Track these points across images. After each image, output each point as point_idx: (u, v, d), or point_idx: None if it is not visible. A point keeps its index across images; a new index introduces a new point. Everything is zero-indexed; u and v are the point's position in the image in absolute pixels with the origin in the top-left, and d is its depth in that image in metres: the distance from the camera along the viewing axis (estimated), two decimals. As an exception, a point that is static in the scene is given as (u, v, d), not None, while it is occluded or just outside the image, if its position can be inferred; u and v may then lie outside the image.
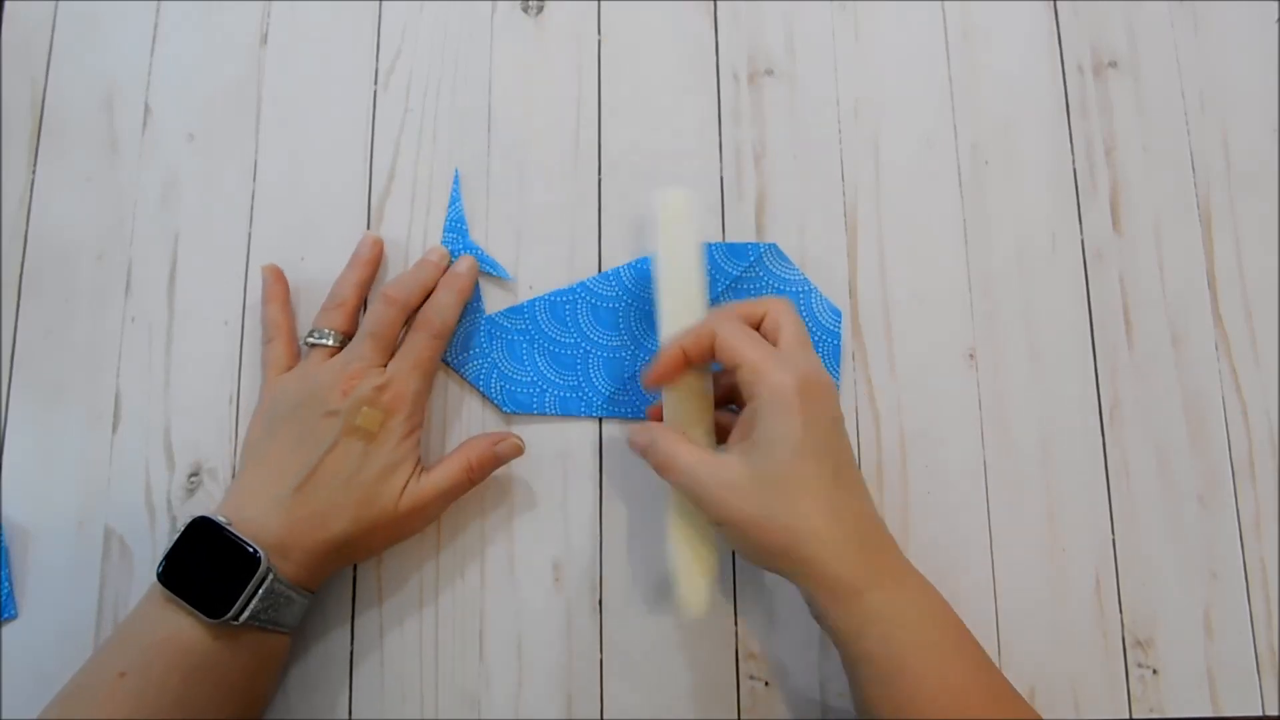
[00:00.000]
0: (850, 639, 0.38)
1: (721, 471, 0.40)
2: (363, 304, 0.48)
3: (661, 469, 0.41)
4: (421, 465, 0.45)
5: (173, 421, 0.48)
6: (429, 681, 0.46)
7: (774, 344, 0.41)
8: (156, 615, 0.40)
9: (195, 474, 0.48)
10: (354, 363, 0.44)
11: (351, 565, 0.47)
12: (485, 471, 0.46)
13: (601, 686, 0.46)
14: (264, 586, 0.40)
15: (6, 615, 0.46)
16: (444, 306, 0.47)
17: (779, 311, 0.42)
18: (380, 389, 0.43)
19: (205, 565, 0.40)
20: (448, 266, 0.49)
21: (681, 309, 0.44)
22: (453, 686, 0.46)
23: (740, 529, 0.39)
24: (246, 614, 0.39)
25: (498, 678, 0.46)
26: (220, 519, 0.41)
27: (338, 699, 0.46)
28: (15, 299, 0.49)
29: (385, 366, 0.45)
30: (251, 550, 0.40)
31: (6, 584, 0.46)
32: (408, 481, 0.43)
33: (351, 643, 0.46)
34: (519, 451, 0.46)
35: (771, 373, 0.39)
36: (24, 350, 0.49)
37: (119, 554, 0.47)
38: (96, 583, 0.47)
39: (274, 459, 0.43)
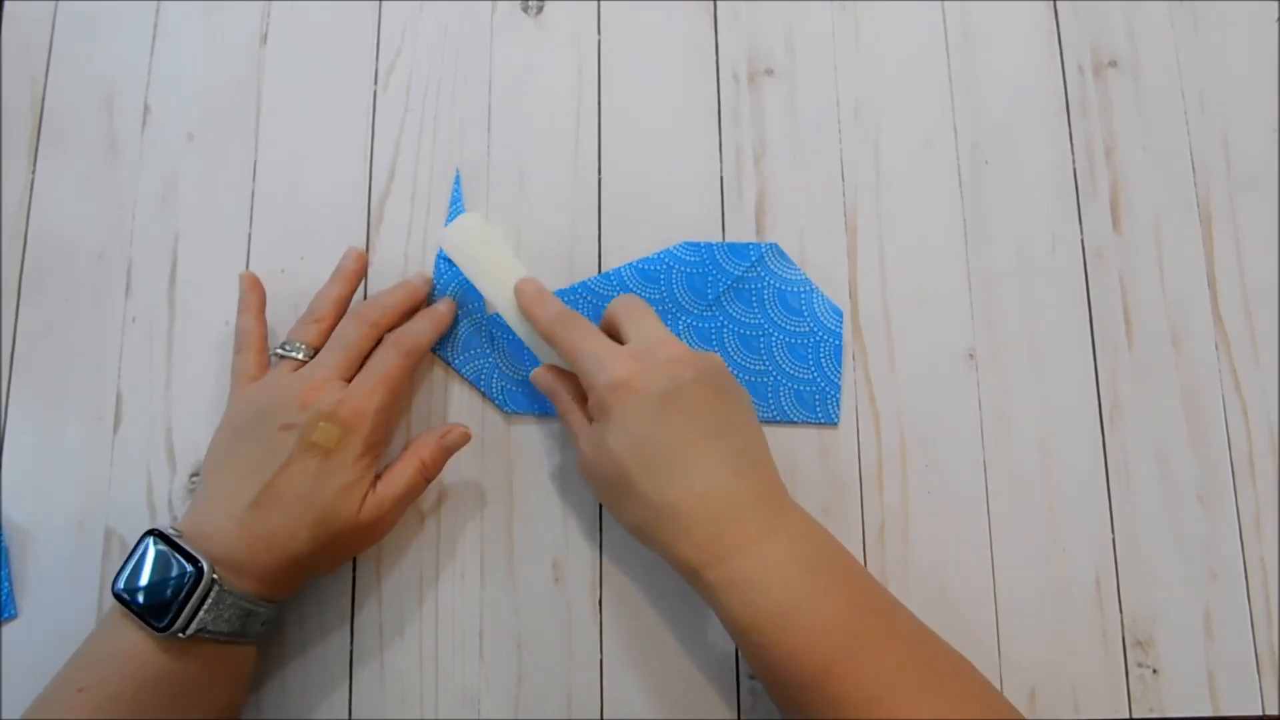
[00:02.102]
0: (710, 606, 0.40)
1: (585, 451, 0.43)
2: (339, 320, 0.47)
3: (561, 417, 0.45)
4: (377, 475, 0.44)
5: (174, 421, 0.48)
6: (429, 681, 0.46)
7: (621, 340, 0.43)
8: (114, 629, 0.40)
9: (196, 474, 0.48)
10: (317, 374, 0.43)
11: (321, 575, 0.46)
12: (438, 467, 0.45)
13: (601, 686, 0.46)
14: (210, 599, 0.39)
15: (6, 615, 0.46)
16: (419, 331, 0.46)
17: (614, 309, 0.45)
18: (341, 403, 0.42)
19: (156, 577, 0.39)
20: (430, 292, 0.49)
21: (507, 288, 0.47)
22: (453, 686, 0.46)
23: (606, 506, 0.44)
24: (194, 627, 0.38)
25: (498, 678, 0.46)
26: (171, 531, 0.40)
27: (338, 699, 0.46)
28: (15, 299, 0.49)
29: (350, 381, 0.44)
30: (198, 563, 0.39)
31: (6, 584, 0.46)
32: (366, 495, 0.43)
33: (351, 642, 0.46)
34: (466, 439, 0.46)
35: (594, 374, 0.41)
36: (24, 350, 0.49)
37: (119, 554, 0.47)
38: (96, 583, 0.47)
39: (230, 473, 0.42)
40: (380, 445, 0.44)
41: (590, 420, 0.43)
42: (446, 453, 0.46)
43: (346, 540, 0.43)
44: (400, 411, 0.48)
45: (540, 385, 0.46)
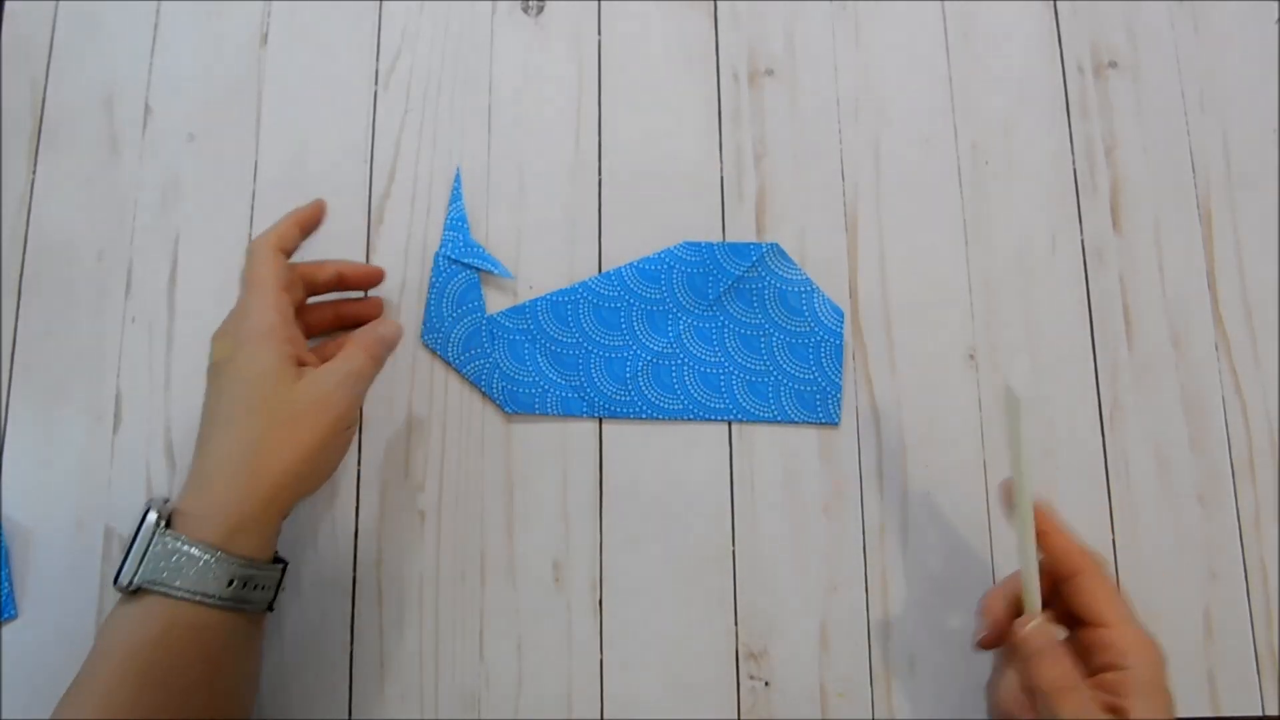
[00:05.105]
0: None
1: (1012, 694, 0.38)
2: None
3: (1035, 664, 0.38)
4: (304, 363, 0.42)
5: (173, 421, 0.48)
6: (429, 681, 0.46)
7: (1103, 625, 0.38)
8: (124, 614, 0.39)
9: (195, 474, 0.48)
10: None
11: (304, 492, 0.42)
12: (380, 350, 0.43)
13: (601, 686, 0.46)
14: (152, 543, 0.37)
15: (6, 615, 0.46)
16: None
17: (1100, 587, 0.39)
18: (227, 319, 0.42)
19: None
20: (321, 215, 0.50)
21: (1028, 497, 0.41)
22: (453, 686, 0.46)
23: None
24: (138, 577, 0.37)
25: (498, 678, 0.46)
26: (152, 511, 0.39)
27: (338, 699, 0.46)
28: (15, 299, 0.49)
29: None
30: (144, 511, 0.38)
31: (6, 584, 0.46)
32: (297, 362, 0.41)
33: (351, 642, 0.46)
34: (399, 330, 0.44)
35: (1145, 651, 0.37)
36: (24, 350, 0.49)
37: (119, 554, 0.47)
38: (96, 583, 0.47)
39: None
40: (281, 327, 0.41)
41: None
42: (384, 343, 0.44)
43: (296, 421, 0.40)
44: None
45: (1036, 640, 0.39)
